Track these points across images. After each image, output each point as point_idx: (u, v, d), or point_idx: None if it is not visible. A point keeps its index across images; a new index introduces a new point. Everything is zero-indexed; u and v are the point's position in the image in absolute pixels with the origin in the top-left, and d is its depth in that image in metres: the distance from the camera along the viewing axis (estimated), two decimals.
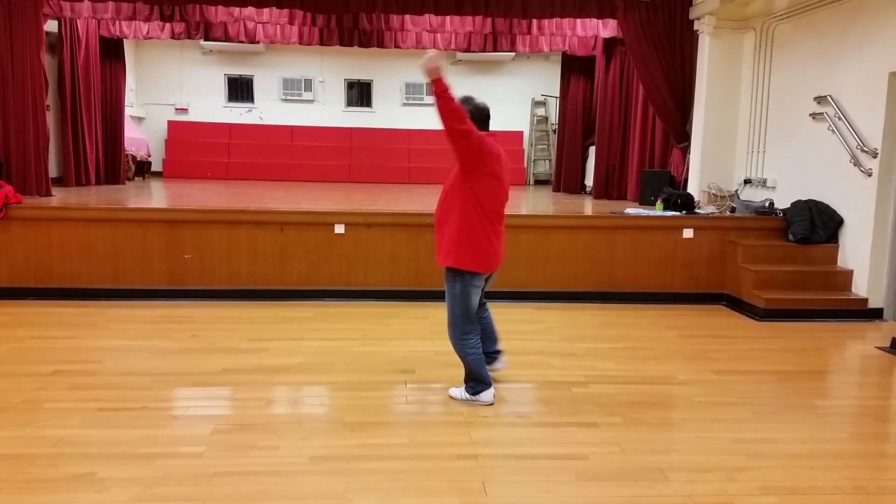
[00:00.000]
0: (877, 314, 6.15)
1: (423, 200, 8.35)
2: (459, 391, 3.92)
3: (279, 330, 5.48)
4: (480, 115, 3.62)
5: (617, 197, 9.73)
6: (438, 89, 3.31)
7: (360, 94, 14.75)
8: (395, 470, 3.09)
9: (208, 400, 3.99)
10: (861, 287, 6.22)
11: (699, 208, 7.45)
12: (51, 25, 8.83)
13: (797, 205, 6.67)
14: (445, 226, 3.67)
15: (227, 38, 9.86)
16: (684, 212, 7.10)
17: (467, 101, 3.62)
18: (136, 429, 3.46)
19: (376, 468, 3.10)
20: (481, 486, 2.96)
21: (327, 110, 14.49)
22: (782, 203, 6.95)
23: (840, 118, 6.32)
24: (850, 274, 6.34)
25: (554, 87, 12.79)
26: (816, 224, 6.47)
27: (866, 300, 6.15)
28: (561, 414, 3.80)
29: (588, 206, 8.77)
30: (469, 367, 3.84)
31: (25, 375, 4.21)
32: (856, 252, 6.29)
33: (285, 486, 2.93)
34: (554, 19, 8.80)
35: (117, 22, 9.73)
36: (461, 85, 14.67)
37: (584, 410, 3.86)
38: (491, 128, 3.69)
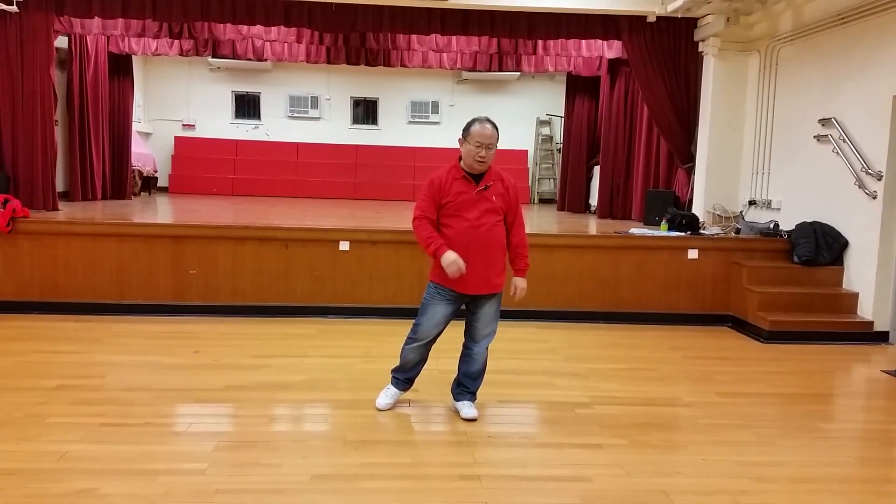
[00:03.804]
0: (882, 337, 6.12)
1: None
2: (474, 410, 3.92)
3: (282, 347, 5.47)
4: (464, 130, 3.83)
5: (621, 217, 9.75)
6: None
7: (366, 111, 14.84)
8: (397, 489, 3.07)
9: (211, 416, 3.98)
10: (866, 310, 6.19)
11: (704, 229, 7.45)
12: (61, 41, 8.94)
13: (802, 226, 6.66)
14: (498, 254, 3.83)
15: (234, 56, 9.97)
16: (689, 232, 7.10)
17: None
18: (138, 444, 3.45)
19: (379, 487, 3.09)
20: None
21: (333, 127, 14.58)
22: (787, 225, 6.95)
23: (844, 140, 6.34)
24: (855, 296, 6.32)
25: (559, 107, 12.88)
26: (821, 246, 6.46)
27: (872, 323, 6.13)
28: (565, 435, 3.78)
29: (592, 225, 8.78)
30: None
31: (29, 390, 4.21)
32: (861, 274, 6.28)
33: None
34: (559, 40, 8.86)
35: (126, 38, 9.84)
36: (466, 104, 14.78)
37: (589, 432, 3.84)
38: (496, 147, 3.78)
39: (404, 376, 4.05)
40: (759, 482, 3.25)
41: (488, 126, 3.72)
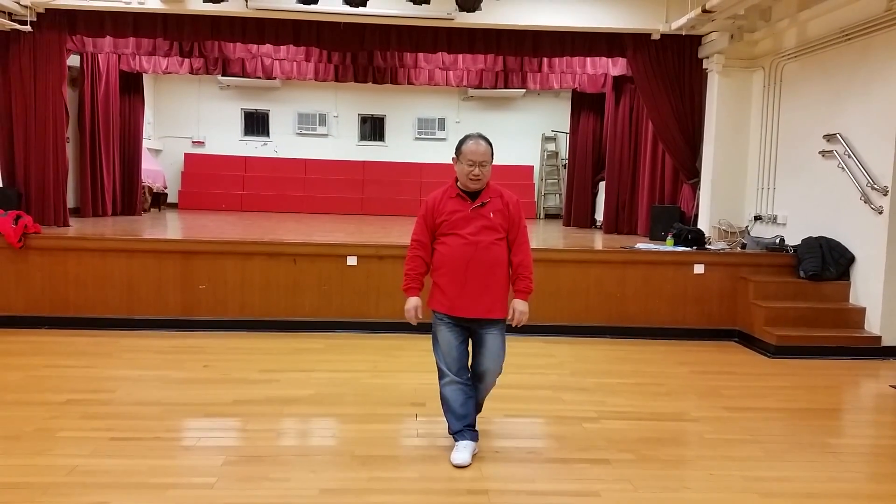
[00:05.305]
0: (890, 352, 6.09)
1: None
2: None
3: (290, 361, 5.50)
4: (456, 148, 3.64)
5: (627, 232, 9.76)
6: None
7: (373, 128, 14.96)
8: None
9: (220, 431, 4.00)
10: (874, 324, 6.18)
11: (710, 244, 7.46)
12: (73, 60, 9.06)
13: (808, 241, 6.67)
14: (496, 275, 3.54)
15: (244, 74, 10.07)
16: (695, 247, 7.11)
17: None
18: (148, 458, 3.48)
19: (387, 502, 3.10)
20: None
21: (341, 144, 14.70)
22: (793, 240, 6.95)
23: (850, 156, 6.36)
24: (862, 311, 6.30)
25: (564, 123, 12.94)
26: (828, 261, 6.46)
27: (880, 338, 6.11)
28: (572, 450, 3.79)
29: (598, 240, 8.79)
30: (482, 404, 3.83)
31: (39, 404, 4.24)
32: (868, 289, 6.27)
33: None
34: (564, 58, 8.94)
35: (137, 57, 9.96)
36: (472, 120, 14.86)
37: (596, 447, 3.84)
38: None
39: (461, 423, 3.58)
40: (766, 497, 3.25)
41: (482, 143, 3.49)
